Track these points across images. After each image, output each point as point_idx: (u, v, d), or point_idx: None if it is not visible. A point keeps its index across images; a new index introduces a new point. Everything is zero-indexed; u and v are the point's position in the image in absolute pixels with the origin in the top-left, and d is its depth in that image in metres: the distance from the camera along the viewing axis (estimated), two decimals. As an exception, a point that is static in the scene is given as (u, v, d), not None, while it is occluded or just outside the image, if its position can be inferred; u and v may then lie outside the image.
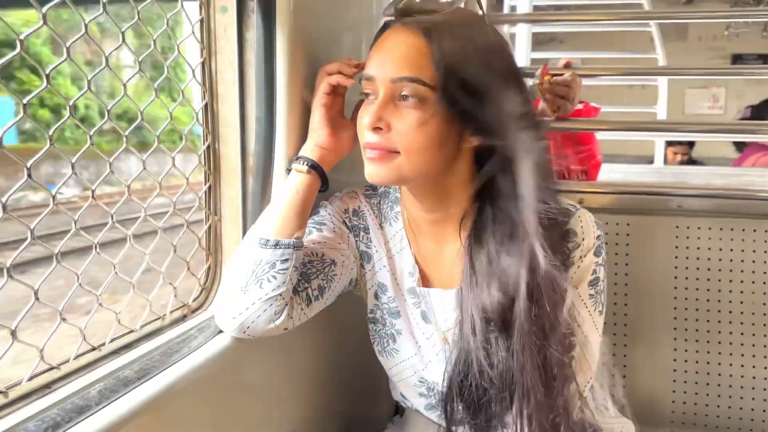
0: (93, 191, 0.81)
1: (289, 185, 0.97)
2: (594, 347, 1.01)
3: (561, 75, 1.65)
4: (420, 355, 1.06)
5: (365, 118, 0.89)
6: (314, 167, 0.97)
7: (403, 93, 0.88)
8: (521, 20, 2.41)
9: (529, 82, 1.93)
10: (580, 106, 1.82)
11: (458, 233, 0.99)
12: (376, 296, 1.09)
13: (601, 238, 1.01)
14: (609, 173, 3.35)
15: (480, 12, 0.93)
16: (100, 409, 0.69)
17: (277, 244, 0.90)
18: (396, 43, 0.89)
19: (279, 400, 1.08)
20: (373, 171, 0.92)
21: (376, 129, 0.89)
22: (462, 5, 0.95)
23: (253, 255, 0.90)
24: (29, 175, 0.70)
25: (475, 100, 0.88)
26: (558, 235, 0.96)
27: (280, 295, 0.90)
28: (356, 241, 1.07)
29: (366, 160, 0.93)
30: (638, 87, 4.69)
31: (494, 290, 0.92)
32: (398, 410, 1.24)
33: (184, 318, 1.02)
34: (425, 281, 1.04)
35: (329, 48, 1.12)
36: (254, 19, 1.02)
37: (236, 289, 0.90)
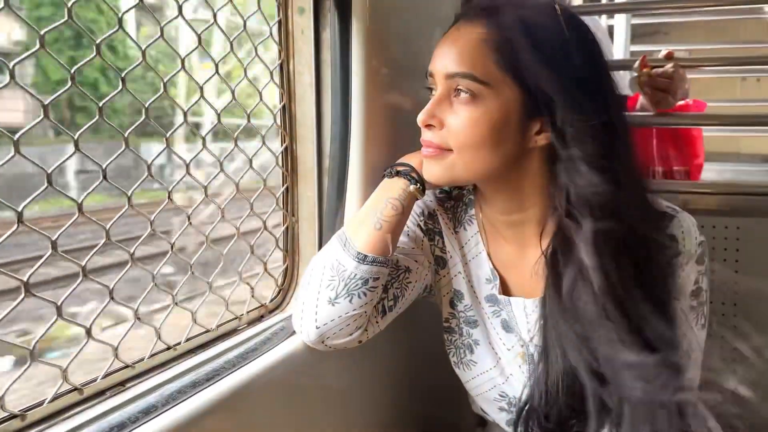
0: (169, 192, 0.83)
1: (392, 197, 0.92)
2: (695, 362, 0.92)
3: (662, 67, 1.54)
4: (500, 368, 1.01)
5: (419, 115, 0.87)
6: (421, 182, 0.93)
7: (458, 89, 0.84)
8: (617, 10, 2.28)
9: (628, 75, 1.82)
10: (685, 102, 1.69)
11: (539, 237, 0.94)
12: (452, 304, 1.04)
13: (703, 244, 0.92)
14: (721, 172, 3.12)
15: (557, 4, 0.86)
16: (168, 409, 0.70)
17: (374, 261, 0.87)
18: (455, 38, 0.85)
19: (354, 404, 1.07)
20: (427, 169, 0.90)
21: (429, 126, 0.87)
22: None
23: (347, 267, 0.87)
24: (104, 176, 0.71)
25: (539, 97, 0.82)
26: (655, 241, 0.88)
27: (365, 312, 0.88)
28: (431, 245, 1.03)
29: (423, 159, 0.90)
30: (753, 79, 4.35)
31: (580, 302, 0.86)
32: (481, 420, 1.19)
33: (261, 318, 1.02)
34: (505, 288, 0.99)
35: (406, 47, 1.09)
36: (330, 19, 1.01)
37: (324, 299, 0.87)
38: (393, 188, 0.93)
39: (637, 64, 1.55)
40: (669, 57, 1.59)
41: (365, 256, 0.87)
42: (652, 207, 0.90)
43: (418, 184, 0.93)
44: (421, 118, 0.87)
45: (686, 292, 0.90)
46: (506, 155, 0.85)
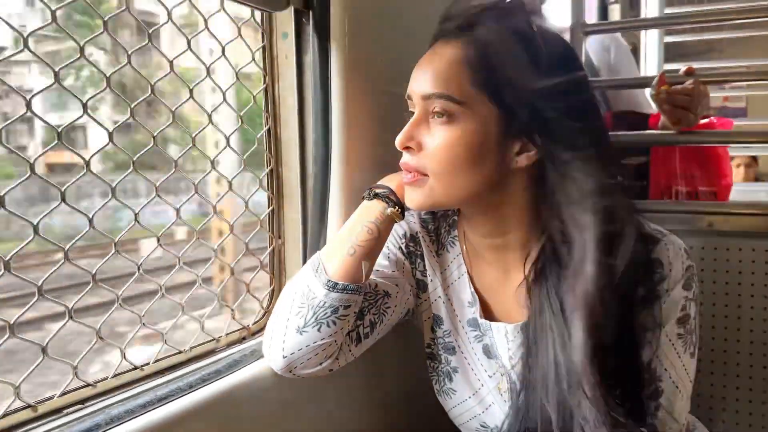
0: (136, 215, 0.84)
1: (368, 221, 0.90)
2: (684, 392, 0.87)
3: (682, 84, 1.48)
4: (478, 397, 0.97)
5: (397, 137, 0.85)
6: (400, 205, 0.92)
7: (435, 110, 0.82)
8: (640, 27, 2.21)
9: (647, 92, 1.76)
10: (709, 120, 1.62)
11: (522, 262, 0.91)
12: (432, 329, 1.02)
13: (692, 269, 0.87)
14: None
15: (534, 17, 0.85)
16: (110, 428, 0.70)
17: (344, 289, 0.85)
18: (431, 59, 0.84)
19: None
20: (407, 195, 0.88)
21: (407, 149, 0.85)
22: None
23: (317, 295, 0.85)
24: (63, 200, 0.74)
25: (517, 117, 0.80)
26: (640, 265, 0.84)
27: (335, 341, 0.86)
28: (412, 268, 1.01)
29: (403, 185, 0.88)
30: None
31: (561, 329, 0.83)
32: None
33: (242, 340, 1.02)
34: (487, 312, 0.96)
35: (385, 70, 1.08)
36: (311, 44, 1.02)
37: (292, 327, 0.85)
38: (370, 212, 0.91)
39: (654, 81, 1.50)
40: (689, 73, 1.54)
41: (335, 283, 0.85)
42: (638, 229, 0.86)
43: (397, 207, 0.91)
44: (398, 141, 0.85)
45: (673, 318, 0.86)
46: (486, 177, 0.83)
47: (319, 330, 0.84)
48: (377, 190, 0.93)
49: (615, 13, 2.95)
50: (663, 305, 0.85)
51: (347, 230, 0.91)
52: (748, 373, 1.44)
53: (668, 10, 2.29)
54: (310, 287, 0.87)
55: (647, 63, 2.30)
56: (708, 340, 1.47)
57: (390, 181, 0.94)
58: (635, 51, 3.06)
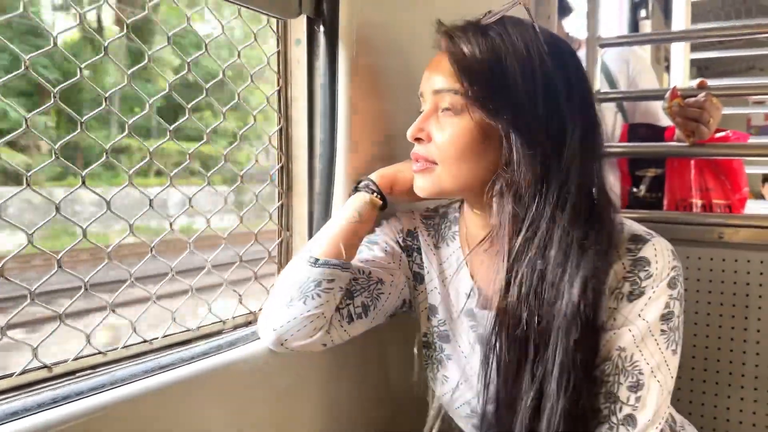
0: (150, 201, 0.92)
1: (351, 209, 1.00)
2: (663, 387, 0.89)
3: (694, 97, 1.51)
4: (469, 384, 1.02)
5: (409, 129, 0.93)
6: (379, 192, 1.01)
7: (443, 104, 0.90)
8: (655, 41, 2.22)
9: (659, 105, 1.79)
10: (725, 134, 1.64)
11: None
12: (429, 319, 1.07)
13: (677, 269, 0.91)
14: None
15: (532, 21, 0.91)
16: (111, 389, 0.78)
17: (326, 264, 0.93)
18: (439, 61, 0.92)
19: (310, 416, 1.10)
20: (416, 182, 0.95)
21: (417, 140, 0.93)
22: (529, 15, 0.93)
23: (301, 272, 0.94)
24: (83, 181, 0.82)
25: (515, 111, 0.85)
26: (629, 262, 0.89)
27: (323, 313, 0.93)
28: (409, 261, 1.07)
29: (413, 174, 0.96)
30: None
31: (527, 316, 0.87)
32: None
33: (248, 324, 1.09)
34: (485, 303, 1.01)
35: (389, 74, 1.15)
36: (321, 49, 1.09)
37: (281, 303, 0.94)
38: (354, 200, 1.02)
39: (667, 95, 1.53)
40: (701, 86, 1.56)
41: (317, 259, 0.94)
42: (623, 227, 0.91)
43: (375, 194, 1.01)
44: (410, 133, 0.93)
45: (656, 314, 0.89)
46: (489, 168, 0.89)
47: (304, 303, 0.92)
48: (359, 185, 1.04)
49: (646, 27, 2.97)
50: (648, 301, 0.89)
51: (335, 217, 1.01)
52: (754, 384, 1.44)
53: (694, 26, 2.30)
54: (297, 267, 0.96)
55: (674, 79, 2.31)
56: (715, 351, 1.48)
57: (382, 171, 1.04)
58: (668, 68, 3.06)
